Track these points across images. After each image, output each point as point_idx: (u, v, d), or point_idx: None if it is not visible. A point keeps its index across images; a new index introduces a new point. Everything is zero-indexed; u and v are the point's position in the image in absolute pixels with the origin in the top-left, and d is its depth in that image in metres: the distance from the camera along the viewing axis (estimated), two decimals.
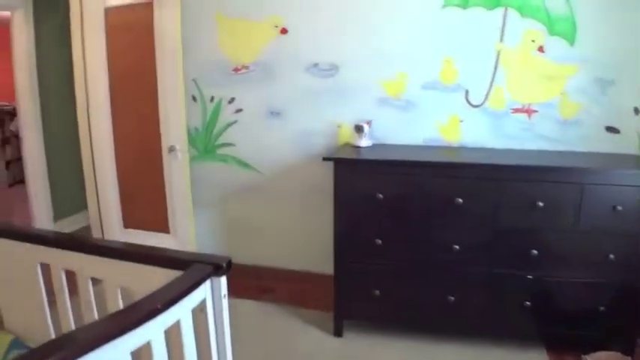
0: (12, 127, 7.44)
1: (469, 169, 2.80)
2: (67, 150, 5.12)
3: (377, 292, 2.95)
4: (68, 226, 5.43)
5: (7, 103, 7.26)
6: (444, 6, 3.22)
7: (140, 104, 3.97)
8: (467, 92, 3.30)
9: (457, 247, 2.78)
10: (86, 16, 4.04)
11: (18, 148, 5.34)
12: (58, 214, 5.38)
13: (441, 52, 3.29)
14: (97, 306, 1.84)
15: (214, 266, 1.55)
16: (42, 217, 5.25)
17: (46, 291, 1.96)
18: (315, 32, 3.51)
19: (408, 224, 2.86)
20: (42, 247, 1.85)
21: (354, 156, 3.05)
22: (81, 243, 1.79)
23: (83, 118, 4.29)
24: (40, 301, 1.96)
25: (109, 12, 3.96)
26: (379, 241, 2.88)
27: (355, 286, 3.01)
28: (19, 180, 5.98)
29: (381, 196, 2.83)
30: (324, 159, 2.94)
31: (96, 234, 4.44)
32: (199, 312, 1.55)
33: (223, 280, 1.59)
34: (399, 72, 3.38)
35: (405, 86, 3.38)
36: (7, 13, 4.95)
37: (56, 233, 1.90)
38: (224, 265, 1.56)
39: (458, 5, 3.20)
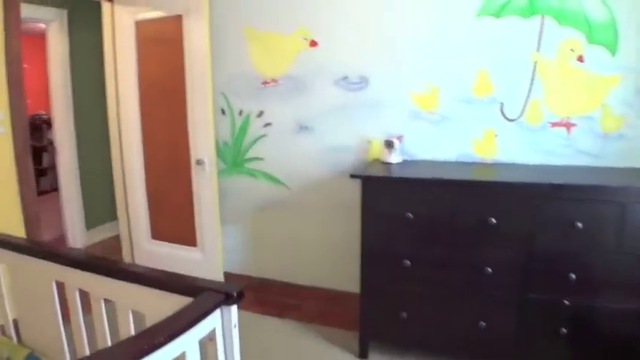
0: (50, 136, 7.60)
1: (504, 188, 2.67)
2: (99, 160, 5.18)
3: (404, 314, 2.84)
4: (100, 234, 5.52)
5: (45, 112, 7.41)
6: (478, 15, 3.10)
7: (169, 117, 3.97)
8: (502, 105, 3.16)
9: (490, 269, 2.66)
10: (117, 28, 4.08)
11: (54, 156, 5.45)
12: (90, 223, 5.46)
13: (475, 63, 3.16)
14: (109, 325, 1.83)
15: (225, 295, 1.49)
16: (75, 225, 5.34)
17: (61, 308, 1.96)
18: (344, 44, 3.44)
19: (439, 245, 2.75)
20: (58, 266, 1.85)
21: (383, 173, 2.96)
22: (95, 264, 1.77)
23: (114, 129, 4.34)
24: (54, 318, 1.96)
25: (139, 25, 3.99)
26: (408, 262, 2.77)
27: (382, 307, 2.91)
28: (55, 187, 6.08)
29: (410, 215, 2.73)
30: (352, 176, 2.86)
31: (125, 244, 4.47)
32: (209, 341, 1.50)
33: (234, 309, 1.53)
34: (431, 85, 3.28)
35: (438, 99, 3.27)
36: (43, 25, 5.05)
37: (72, 252, 1.89)
38: (235, 294, 1.49)
39: (492, 14, 3.08)
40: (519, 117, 3.13)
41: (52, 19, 4.93)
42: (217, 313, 1.48)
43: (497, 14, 3.07)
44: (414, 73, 3.30)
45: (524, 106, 3.11)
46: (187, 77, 3.79)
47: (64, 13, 4.99)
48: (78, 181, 5.32)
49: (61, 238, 5.51)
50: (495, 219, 2.60)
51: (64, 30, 5.02)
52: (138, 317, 1.68)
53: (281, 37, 3.62)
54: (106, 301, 1.78)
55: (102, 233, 5.55)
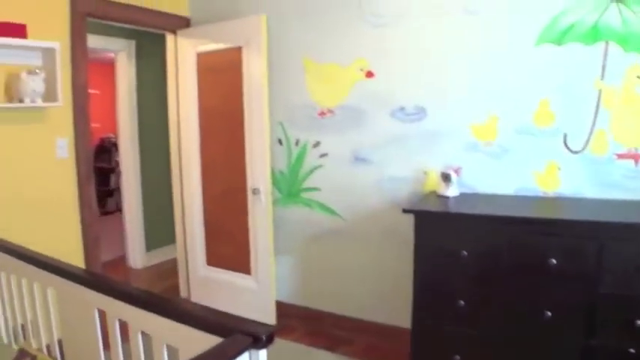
0: (117, 158, 7.94)
1: (566, 226, 2.53)
2: (161, 184, 5.36)
3: (457, 357, 2.73)
4: (158, 256, 5.70)
5: (114, 136, 7.73)
6: (538, 44, 2.98)
7: (227, 145, 4.05)
8: (565, 136, 3.00)
9: (549, 313, 2.51)
10: (180, 59, 4.23)
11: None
12: (150, 245, 5.63)
13: (536, 92, 3.03)
14: (146, 356, 1.84)
15: (254, 338, 1.45)
16: (135, 246, 5.53)
17: (102, 334, 2.00)
18: (401, 75, 3.41)
19: (495, 285, 2.63)
20: (101, 295, 1.90)
21: (437, 207, 2.89)
22: (134, 297, 1.79)
23: (175, 155, 4.47)
24: (95, 343, 2.00)
25: (200, 56, 4.11)
26: (462, 302, 2.67)
27: (434, 349, 2.80)
28: (120, 208, 6.31)
29: (465, 252, 2.64)
30: (405, 211, 2.80)
31: (181, 269, 4.58)
32: None
33: (263, 353, 1.48)
34: (489, 115, 3.17)
35: (497, 130, 3.16)
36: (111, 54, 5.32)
37: (114, 284, 1.94)
38: (264, 337, 1.45)
39: (552, 42, 2.95)
40: (584, 149, 2.97)
41: (120, 49, 5.20)
42: (245, 356, 1.44)
43: (558, 41, 2.94)
44: (472, 103, 3.21)
45: (589, 137, 2.95)
46: (245, 107, 3.86)
47: (132, 43, 5.25)
48: (140, 204, 5.51)
49: (122, 258, 5.71)
50: (556, 259, 2.47)
51: (132, 59, 5.28)
52: (172, 351, 1.69)
53: (338, 68, 3.63)
54: (144, 333, 1.80)
55: (161, 255, 5.71)
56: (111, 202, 8.36)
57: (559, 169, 3.04)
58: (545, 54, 2.98)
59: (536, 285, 2.55)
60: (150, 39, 4.96)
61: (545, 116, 3.03)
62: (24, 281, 2.33)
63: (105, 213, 8.21)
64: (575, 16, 2.87)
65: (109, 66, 5.77)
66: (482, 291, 2.66)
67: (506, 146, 3.15)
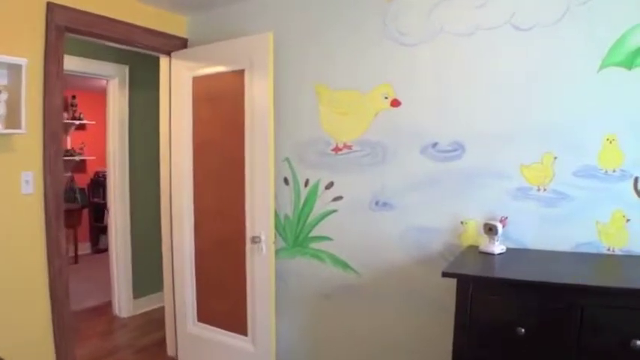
0: None
1: None
2: (151, 225, 4.84)
3: None
4: (146, 304, 5.24)
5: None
6: (601, 68, 2.45)
7: (225, 185, 3.54)
8: (636, 180, 2.45)
9: None
10: (174, 85, 3.78)
11: None
12: (138, 291, 5.19)
13: (600, 127, 2.49)
14: None
15: None
16: (122, 292, 5.10)
17: None
18: (433, 104, 2.90)
19: None
20: None
21: (484, 271, 2.31)
22: None
23: (165, 194, 3.98)
24: None
25: (197, 81, 3.65)
26: None
27: None
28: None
29: (522, 330, 2.06)
30: (444, 275, 2.22)
31: (169, 324, 4.07)
32: None
33: None
34: (543, 154, 2.62)
35: (552, 173, 2.61)
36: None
37: None
38: None
39: (620, 65, 2.42)
40: None
41: (112, 75, 4.86)
42: None
43: (628, 64, 2.41)
44: (522, 139, 2.68)
45: None
46: (247, 140, 3.37)
47: (125, 69, 4.91)
48: (129, 246, 5.10)
49: (109, 304, 5.25)
50: None
51: (124, 86, 4.97)
52: None
53: (357, 96, 3.16)
54: None
55: (149, 303, 5.25)
56: (105, 240, 7.97)
57: (627, 220, 2.48)
58: (611, 80, 2.45)
59: None
60: (145, 64, 4.55)
61: (611, 156, 2.48)
62: None
63: (98, 251, 8.06)
64: None
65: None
66: None
67: (563, 192, 2.60)
